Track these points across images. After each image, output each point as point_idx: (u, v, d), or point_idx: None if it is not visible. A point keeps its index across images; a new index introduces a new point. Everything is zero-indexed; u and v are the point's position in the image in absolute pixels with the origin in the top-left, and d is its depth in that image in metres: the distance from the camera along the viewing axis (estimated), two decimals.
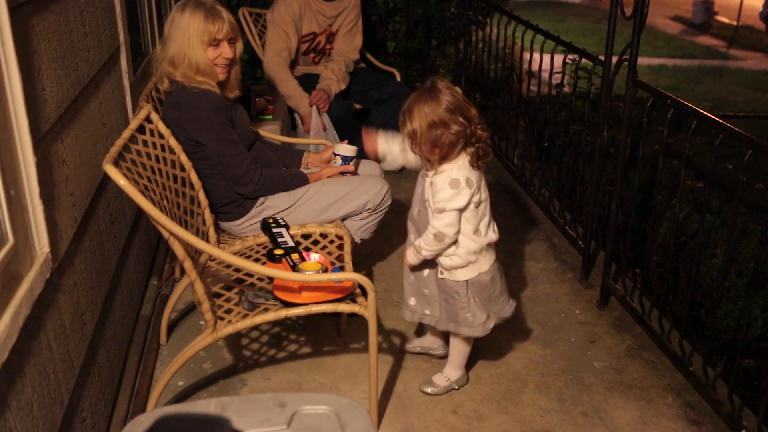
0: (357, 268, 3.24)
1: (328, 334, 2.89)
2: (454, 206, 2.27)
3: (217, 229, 2.83)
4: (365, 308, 2.22)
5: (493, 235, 2.41)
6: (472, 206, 2.30)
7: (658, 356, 2.80)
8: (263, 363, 2.73)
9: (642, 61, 14.34)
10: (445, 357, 2.68)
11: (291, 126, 4.16)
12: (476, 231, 2.34)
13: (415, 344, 2.79)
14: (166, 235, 2.11)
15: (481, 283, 2.40)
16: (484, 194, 2.35)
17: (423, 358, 2.76)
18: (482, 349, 2.81)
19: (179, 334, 2.89)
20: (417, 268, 2.48)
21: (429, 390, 2.59)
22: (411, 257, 2.43)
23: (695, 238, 2.58)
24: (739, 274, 3.18)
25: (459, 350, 2.58)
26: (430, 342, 2.76)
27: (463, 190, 2.26)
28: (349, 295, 2.31)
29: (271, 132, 3.26)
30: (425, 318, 2.55)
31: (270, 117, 3.74)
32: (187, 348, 2.27)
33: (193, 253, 2.48)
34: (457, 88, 2.37)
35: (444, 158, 2.28)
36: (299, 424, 1.31)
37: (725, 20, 19.36)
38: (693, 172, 4.15)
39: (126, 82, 2.95)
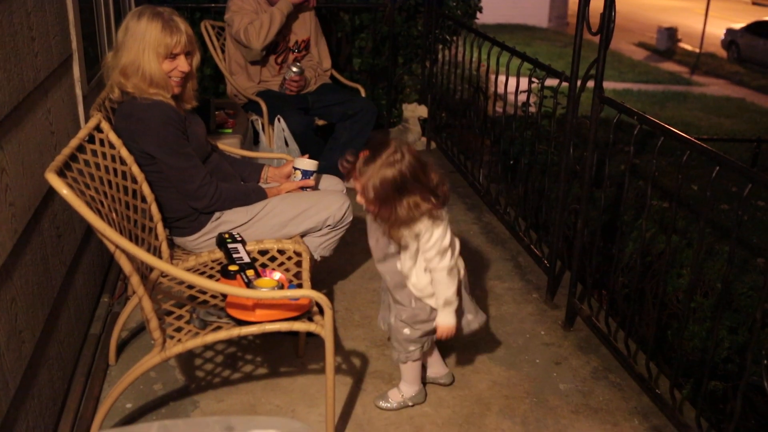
0: (317, 287, 3.15)
1: (286, 354, 2.78)
2: (447, 241, 2.22)
3: (171, 244, 2.73)
4: (322, 327, 2.13)
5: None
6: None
7: (624, 378, 2.74)
8: (217, 384, 2.61)
9: (608, 85, 14.49)
10: (451, 383, 2.64)
11: (253, 140, 4.07)
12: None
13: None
14: (111, 248, 2.00)
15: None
16: None
17: (383, 380, 2.67)
18: None
19: (130, 354, 2.76)
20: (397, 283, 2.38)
21: (382, 404, 2.52)
22: (449, 319, 2.31)
23: (661, 258, 2.53)
24: (705, 295, 3.14)
25: (409, 364, 2.48)
26: (436, 371, 2.65)
27: (443, 223, 2.21)
28: (306, 313, 2.21)
29: (230, 146, 3.16)
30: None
31: (230, 131, 3.64)
32: (134, 368, 2.15)
33: (144, 270, 2.37)
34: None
35: (402, 226, 2.18)
36: None
37: (688, 47, 19.74)
38: (659, 192, 4.13)
39: (78, 91, 2.84)
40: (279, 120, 3.96)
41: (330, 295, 3.21)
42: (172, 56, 2.48)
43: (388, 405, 2.52)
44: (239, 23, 4.05)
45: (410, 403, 2.52)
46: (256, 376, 2.66)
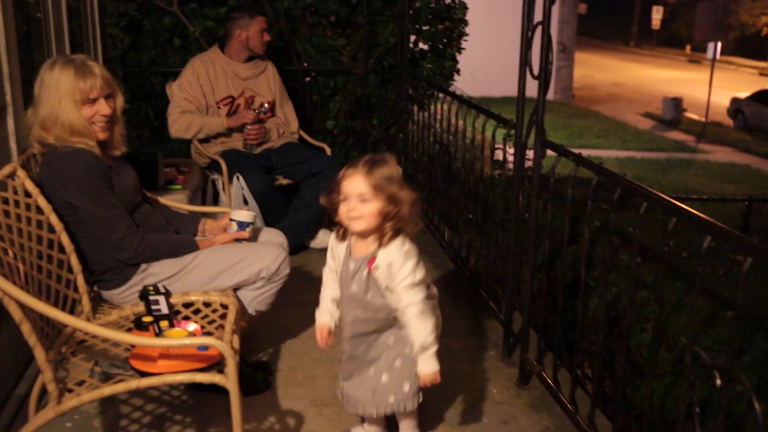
0: (264, 345, 3.05)
1: (217, 414, 2.63)
2: (419, 277, 2.13)
3: (100, 299, 2.63)
4: (227, 379, 2.00)
5: None
6: None
7: None
8: None
9: (610, 153, 14.53)
10: None
11: (213, 199, 4.01)
12: None
13: None
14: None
15: None
16: None
17: None
18: None
19: None
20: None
21: None
22: (429, 365, 2.17)
23: (626, 313, 2.41)
24: (669, 350, 2.97)
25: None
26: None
27: (419, 260, 2.15)
28: (216, 364, 2.09)
29: (177, 201, 3.09)
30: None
31: (179, 187, 3.58)
32: (26, 426, 2.03)
33: (62, 327, 2.26)
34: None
35: (396, 234, 2.12)
36: None
37: (694, 117, 19.73)
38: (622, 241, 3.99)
39: (13, 145, 2.80)
40: (238, 178, 3.90)
41: (276, 354, 3.07)
42: (91, 101, 2.42)
43: None
44: (174, 105, 4.07)
45: None
46: None
